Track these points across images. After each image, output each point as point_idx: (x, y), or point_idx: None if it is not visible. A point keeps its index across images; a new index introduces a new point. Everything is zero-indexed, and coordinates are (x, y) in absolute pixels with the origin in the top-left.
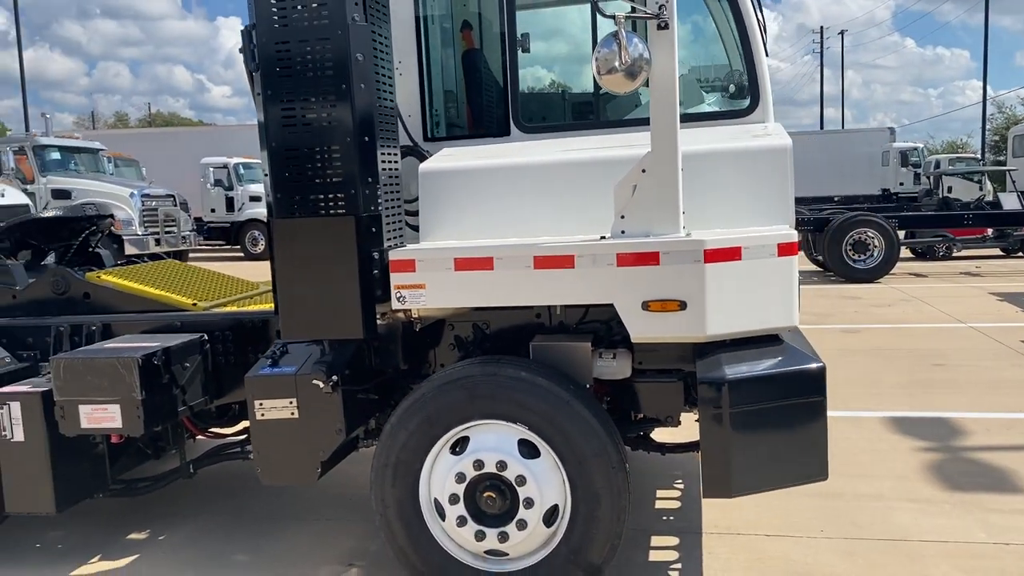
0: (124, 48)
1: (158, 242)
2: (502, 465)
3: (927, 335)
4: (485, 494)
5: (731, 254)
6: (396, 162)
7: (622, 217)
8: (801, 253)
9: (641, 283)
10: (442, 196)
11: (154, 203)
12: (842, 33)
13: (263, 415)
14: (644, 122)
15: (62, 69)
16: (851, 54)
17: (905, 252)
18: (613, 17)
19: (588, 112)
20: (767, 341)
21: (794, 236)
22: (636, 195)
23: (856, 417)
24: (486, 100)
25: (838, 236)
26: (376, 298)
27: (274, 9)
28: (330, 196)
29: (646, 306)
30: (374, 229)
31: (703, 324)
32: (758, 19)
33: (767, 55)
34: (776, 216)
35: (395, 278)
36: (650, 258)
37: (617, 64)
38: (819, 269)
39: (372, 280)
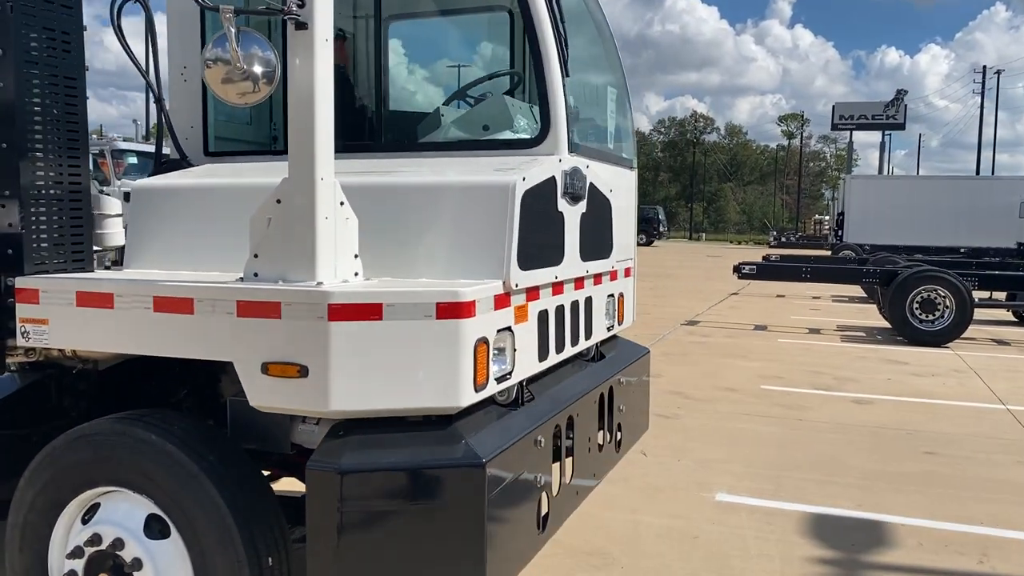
0: None
1: None
2: (118, 543)
3: (945, 415)
4: None
5: (367, 312)
6: (75, 175)
7: (255, 256)
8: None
9: (261, 339)
10: (143, 218)
11: None
12: (998, 73)
13: None
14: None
15: None
16: None
17: (1005, 315)
18: (218, 10)
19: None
20: (433, 424)
21: (464, 295)
22: (271, 230)
23: (777, 510)
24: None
25: (902, 293)
26: (10, 331)
27: None
28: None
29: (265, 369)
30: (10, 251)
31: (326, 397)
32: (557, 33)
33: (567, 75)
34: (486, 268)
35: (20, 310)
36: (271, 309)
37: (235, 70)
38: (888, 327)
39: (3, 311)
